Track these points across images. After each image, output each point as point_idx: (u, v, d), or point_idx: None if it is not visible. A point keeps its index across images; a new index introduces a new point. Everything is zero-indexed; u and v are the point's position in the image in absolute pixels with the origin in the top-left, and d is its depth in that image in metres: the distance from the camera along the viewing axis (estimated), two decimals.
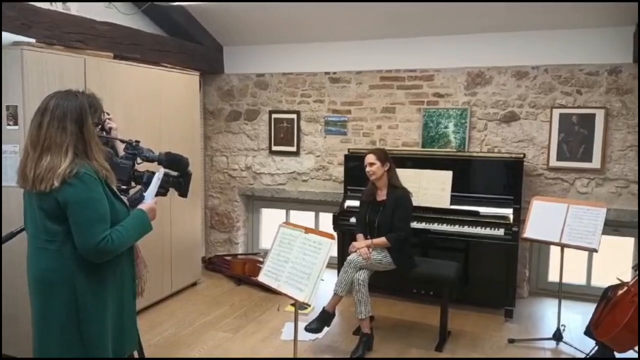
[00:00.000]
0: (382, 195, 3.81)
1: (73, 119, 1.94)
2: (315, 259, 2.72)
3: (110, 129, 2.58)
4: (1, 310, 3.33)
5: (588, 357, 3.40)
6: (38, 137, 1.92)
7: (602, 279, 4.39)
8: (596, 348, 3.31)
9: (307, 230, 2.87)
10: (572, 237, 3.64)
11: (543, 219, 3.79)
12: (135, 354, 2.72)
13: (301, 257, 2.78)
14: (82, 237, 1.90)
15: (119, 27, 4.24)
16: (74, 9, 3.91)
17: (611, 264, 4.48)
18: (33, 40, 3.41)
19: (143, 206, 2.15)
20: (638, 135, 4.24)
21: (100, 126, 2.40)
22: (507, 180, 4.32)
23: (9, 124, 3.25)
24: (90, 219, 1.90)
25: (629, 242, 4.52)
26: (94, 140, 2.00)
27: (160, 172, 2.28)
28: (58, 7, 3.77)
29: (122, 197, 2.14)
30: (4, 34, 3.26)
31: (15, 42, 3.31)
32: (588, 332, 3.34)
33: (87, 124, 1.98)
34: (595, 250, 3.58)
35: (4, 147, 3.26)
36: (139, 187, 2.32)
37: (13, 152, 3.22)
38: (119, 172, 2.25)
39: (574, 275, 4.70)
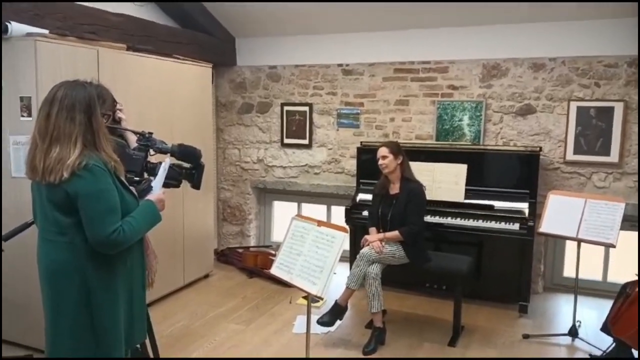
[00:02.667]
0: (395, 189, 3.78)
1: (82, 109, 1.92)
2: (328, 252, 2.69)
3: (120, 119, 2.57)
4: (1, 299, 3.37)
5: (605, 353, 3.35)
6: (46, 128, 1.90)
7: (619, 275, 4.32)
8: (613, 345, 3.26)
9: (320, 223, 2.85)
10: (589, 232, 3.59)
11: (560, 213, 3.73)
12: (148, 345, 2.73)
13: (314, 250, 2.76)
14: (94, 230, 1.89)
15: (131, 18, 4.23)
16: None
17: (628, 259, 4.40)
18: (46, 32, 3.40)
19: (151, 197, 2.13)
20: (638, 129, 4.15)
21: (111, 117, 2.39)
22: (523, 174, 4.26)
23: (22, 115, 3.26)
24: (101, 211, 1.89)
25: None
26: (102, 131, 1.98)
27: (166, 161, 2.26)
28: None
29: (131, 188, 2.12)
30: (17, 25, 3.26)
31: (28, 33, 3.31)
32: (605, 328, 3.29)
33: (96, 114, 1.96)
34: (613, 246, 3.51)
35: (18, 138, 3.27)
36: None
37: (27, 143, 3.22)
38: (131, 164, 2.23)
39: (590, 270, 4.63)
